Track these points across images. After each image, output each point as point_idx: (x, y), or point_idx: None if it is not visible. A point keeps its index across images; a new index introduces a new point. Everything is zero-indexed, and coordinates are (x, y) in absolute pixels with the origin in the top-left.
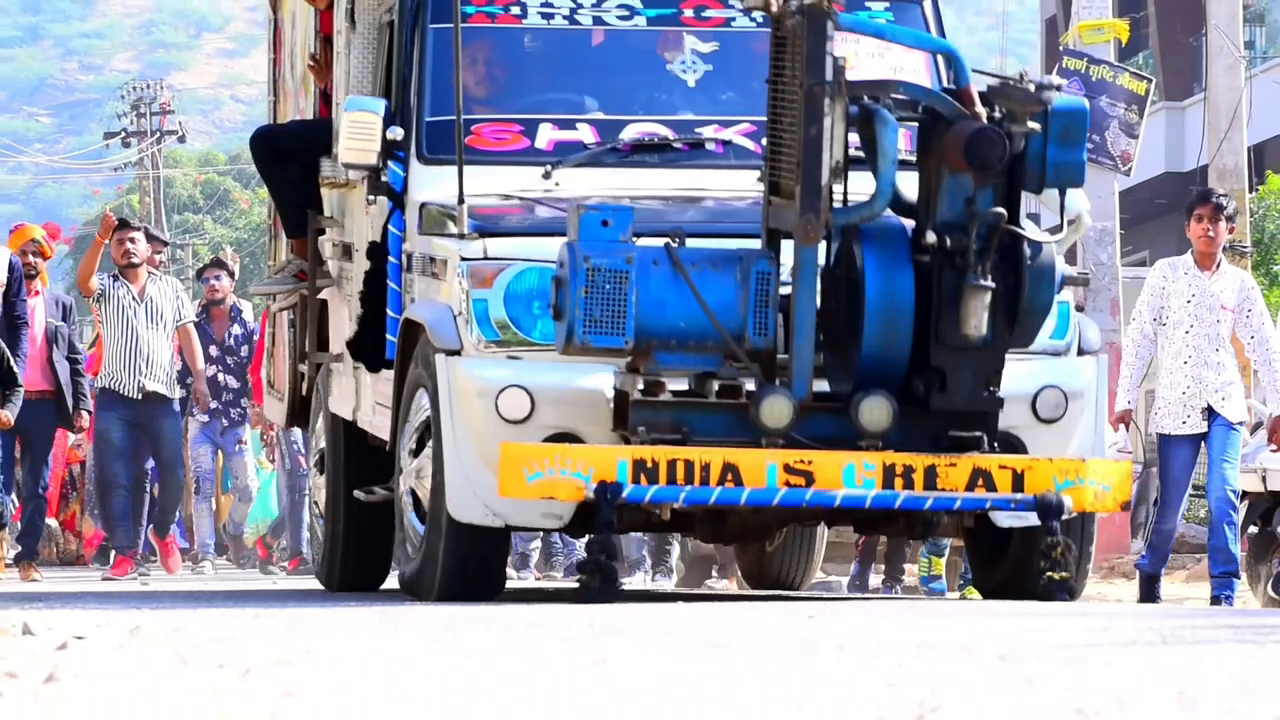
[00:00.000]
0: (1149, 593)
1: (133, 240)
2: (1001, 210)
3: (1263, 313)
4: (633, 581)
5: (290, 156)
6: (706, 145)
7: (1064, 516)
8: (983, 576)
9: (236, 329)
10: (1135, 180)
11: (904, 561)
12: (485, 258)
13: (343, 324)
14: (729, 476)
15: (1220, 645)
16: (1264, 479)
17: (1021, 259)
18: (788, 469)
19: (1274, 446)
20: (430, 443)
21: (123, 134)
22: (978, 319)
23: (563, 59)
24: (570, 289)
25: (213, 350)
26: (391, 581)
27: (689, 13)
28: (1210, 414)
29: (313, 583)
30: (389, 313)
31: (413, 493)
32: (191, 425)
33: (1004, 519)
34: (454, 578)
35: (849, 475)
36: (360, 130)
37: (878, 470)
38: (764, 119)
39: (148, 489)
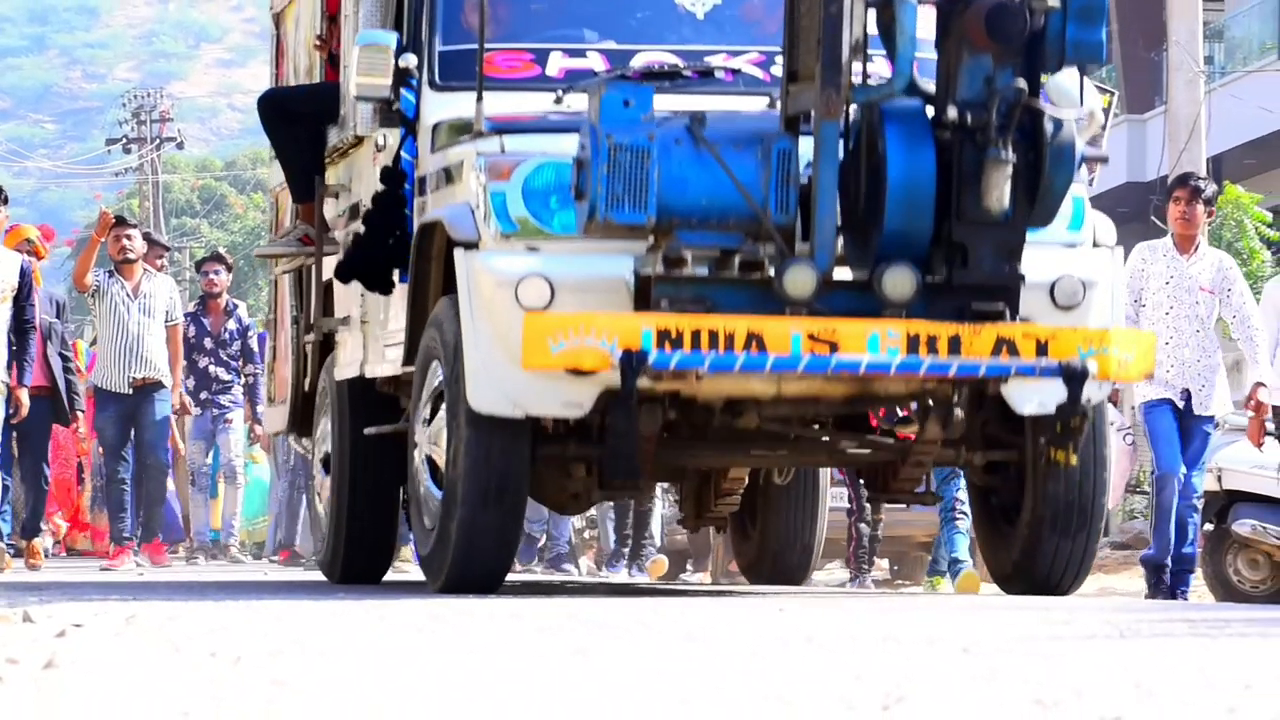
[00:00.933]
0: (1157, 584)
1: (129, 237)
2: (1022, 84)
3: (1243, 292)
4: (617, 576)
5: (298, 119)
6: (716, 74)
7: (1089, 382)
8: (993, 558)
9: (231, 324)
10: (1098, 190)
11: (873, 555)
12: (503, 152)
13: (348, 289)
14: (753, 344)
15: (1176, 639)
16: (1219, 478)
17: (1042, 135)
18: (812, 337)
19: (1250, 411)
20: (445, 406)
21: (124, 140)
22: (999, 192)
23: None
24: (592, 167)
25: (207, 342)
26: (392, 575)
27: None
28: (1188, 404)
29: (303, 574)
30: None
31: (429, 460)
32: (186, 421)
33: (1025, 401)
34: (475, 513)
35: (873, 343)
36: (373, 59)
37: (901, 338)
38: (773, 49)
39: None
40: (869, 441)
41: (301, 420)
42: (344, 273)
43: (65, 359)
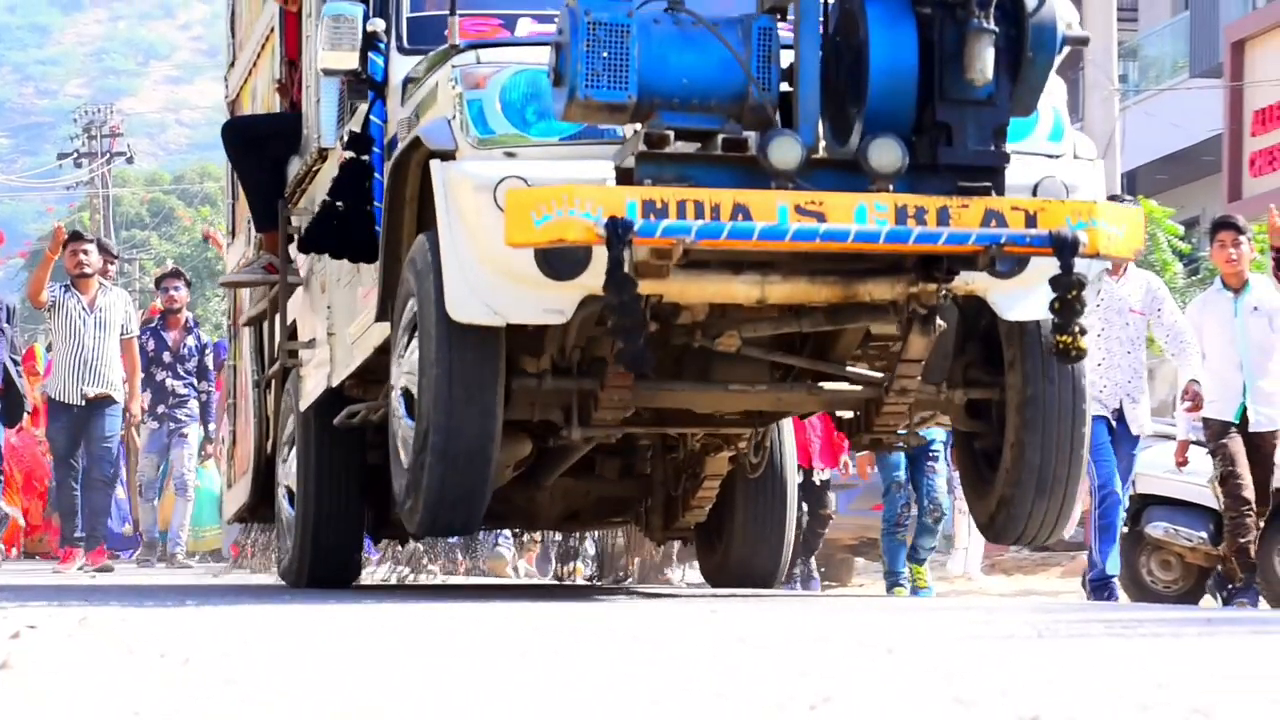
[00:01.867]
0: (1109, 597)
1: (85, 251)
2: None
3: (1173, 310)
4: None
5: (260, 145)
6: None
7: (1079, 254)
8: (976, 504)
9: (191, 340)
10: None
11: (813, 552)
12: (478, 64)
13: (314, 311)
14: (739, 215)
15: (1092, 639)
16: (1134, 482)
17: (1023, 11)
18: (799, 210)
19: (1188, 404)
20: (418, 335)
21: (75, 155)
22: (982, 62)
23: None
24: (570, 47)
25: (166, 357)
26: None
27: None
28: (1120, 420)
29: (249, 577)
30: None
31: (405, 392)
32: (142, 432)
33: (1011, 307)
34: (444, 397)
35: (860, 214)
36: (340, 29)
37: (889, 210)
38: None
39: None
40: (850, 375)
41: (265, 487)
42: (310, 242)
43: (15, 363)
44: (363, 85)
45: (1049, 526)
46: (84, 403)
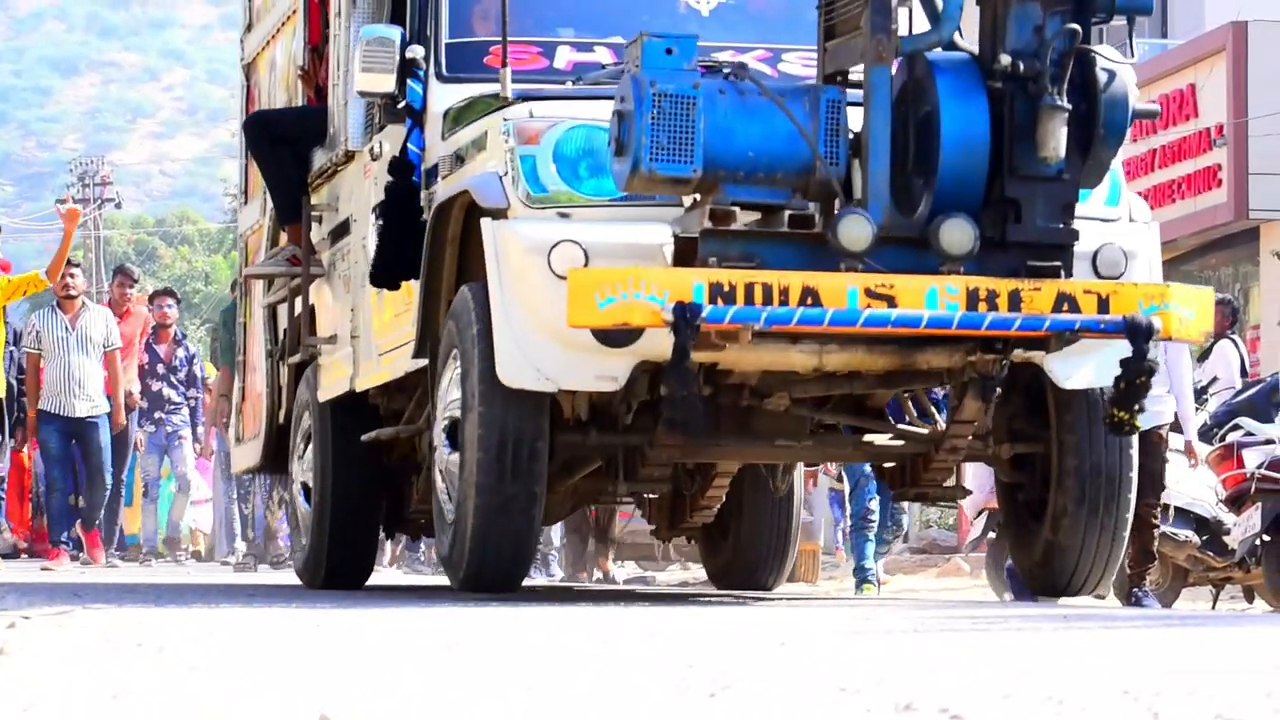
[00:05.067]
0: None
1: (72, 275)
2: (1076, 27)
3: None
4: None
5: (285, 141)
6: (723, 70)
7: (1154, 339)
8: (1019, 553)
9: (180, 352)
10: None
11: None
12: (531, 117)
13: (336, 307)
14: (809, 299)
15: (962, 633)
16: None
17: (1095, 84)
18: (869, 292)
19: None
20: (461, 389)
21: (70, 200)
22: (1056, 140)
23: None
24: (635, 118)
25: (159, 368)
26: (376, 578)
27: None
28: None
29: (219, 575)
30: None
31: (448, 426)
32: (141, 436)
33: (1068, 381)
34: (491, 460)
35: (932, 298)
36: (377, 54)
37: (961, 294)
38: (780, 47)
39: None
40: (900, 431)
41: (275, 454)
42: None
43: (20, 383)
44: (399, 110)
45: (1095, 578)
46: (76, 415)
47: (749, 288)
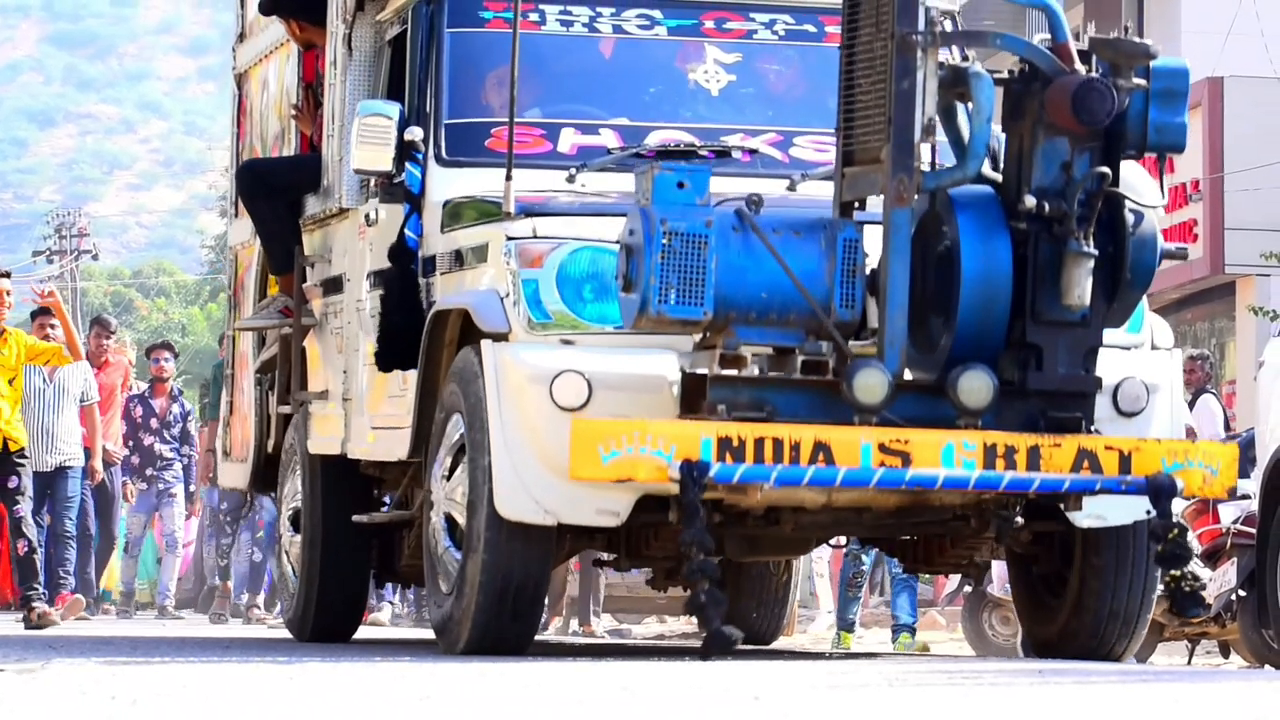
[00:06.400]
0: None
1: (52, 325)
2: (1106, 170)
3: None
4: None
5: (277, 190)
6: (733, 154)
7: (1176, 498)
8: (1035, 627)
9: (176, 408)
10: None
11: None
12: (534, 237)
13: (327, 363)
14: (821, 455)
15: (936, 688)
16: None
17: (1123, 226)
18: (883, 448)
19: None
20: (465, 460)
21: (47, 252)
22: (1081, 288)
23: (583, 67)
24: (645, 255)
25: (153, 423)
26: (363, 632)
27: (710, 24)
28: None
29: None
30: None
31: (447, 518)
32: (131, 489)
33: (1084, 519)
34: (491, 602)
35: (948, 455)
36: (374, 133)
37: (978, 450)
38: (791, 130)
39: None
40: (917, 526)
41: (264, 480)
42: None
43: None
44: (396, 189)
45: (1119, 648)
46: (51, 468)
47: (759, 443)
